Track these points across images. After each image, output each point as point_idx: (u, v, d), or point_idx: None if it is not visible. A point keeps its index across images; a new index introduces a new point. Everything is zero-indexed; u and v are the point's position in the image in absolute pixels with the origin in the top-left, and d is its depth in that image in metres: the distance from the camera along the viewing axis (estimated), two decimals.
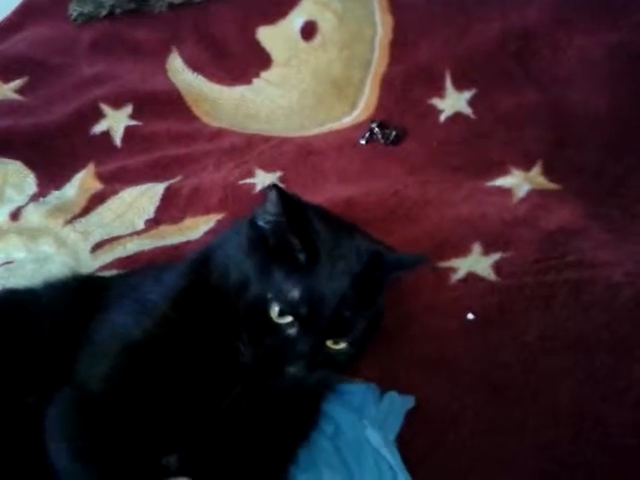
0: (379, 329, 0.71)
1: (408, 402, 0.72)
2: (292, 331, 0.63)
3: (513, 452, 0.68)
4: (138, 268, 0.92)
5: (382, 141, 1.18)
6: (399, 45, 1.26)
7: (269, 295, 0.63)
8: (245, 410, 0.66)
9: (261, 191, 0.68)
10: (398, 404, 0.72)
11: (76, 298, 0.75)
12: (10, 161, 1.25)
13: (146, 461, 0.63)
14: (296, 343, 0.63)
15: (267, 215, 0.66)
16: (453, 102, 1.18)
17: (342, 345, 0.66)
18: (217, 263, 0.68)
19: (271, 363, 0.63)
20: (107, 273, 1.00)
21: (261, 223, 0.67)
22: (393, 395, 0.73)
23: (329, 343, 0.65)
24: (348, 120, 1.27)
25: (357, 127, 1.24)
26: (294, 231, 0.64)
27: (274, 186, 0.66)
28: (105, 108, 1.30)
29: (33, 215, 1.17)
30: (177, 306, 0.67)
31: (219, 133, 1.29)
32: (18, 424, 0.66)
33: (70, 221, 1.15)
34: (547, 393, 0.71)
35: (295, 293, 0.63)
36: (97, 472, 0.62)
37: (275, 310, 0.63)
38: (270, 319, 0.63)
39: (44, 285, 0.81)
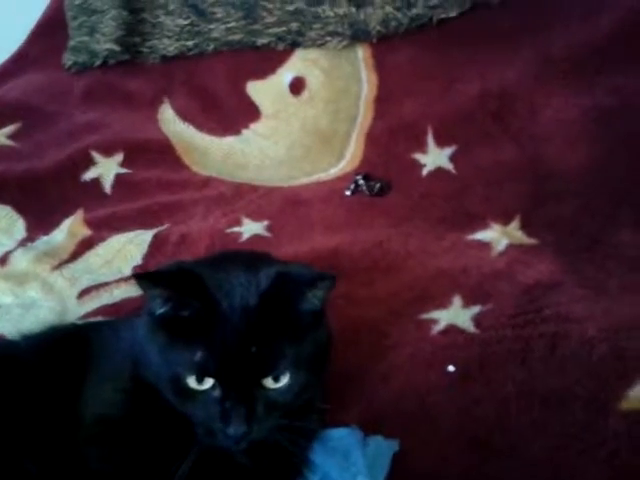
0: (327, 356, 0.70)
1: (393, 446, 0.73)
2: (216, 393, 0.63)
3: None
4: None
5: (367, 193, 1.22)
6: (383, 102, 1.31)
7: (179, 370, 0.64)
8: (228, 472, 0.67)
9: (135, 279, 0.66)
10: (384, 448, 0.72)
11: (57, 355, 0.74)
12: (0, 206, 1.27)
13: None
14: (224, 402, 0.63)
15: (152, 301, 0.66)
16: (435, 157, 1.22)
17: (281, 383, 0.64)
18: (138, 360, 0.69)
19: (213, 431, 0.64)
20: (91, 320, 1.01)
21: (154, 312, 0.66)
22: (378, 439, 0.73)
23: (267, 384, 0.64)
24: (334, 171, 1.31)
25: (343, 178, 1.28)
26: (180, 302, 0.64)
27: (137, 276, 0.66)
28: (96, 156, 1.33)
29: (21, 260, 1.18)
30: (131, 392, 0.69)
31: (208, 182, 1.32)
32: None
33: (58, 267, 1.16)
34: (524, 447, 0.73)
35: (198, 355, 0.63)
36: None
37: (192, 380, 0.63)
38: (194, 391, 0.63)
39: (24, 338, 0.80)
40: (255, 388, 0.63)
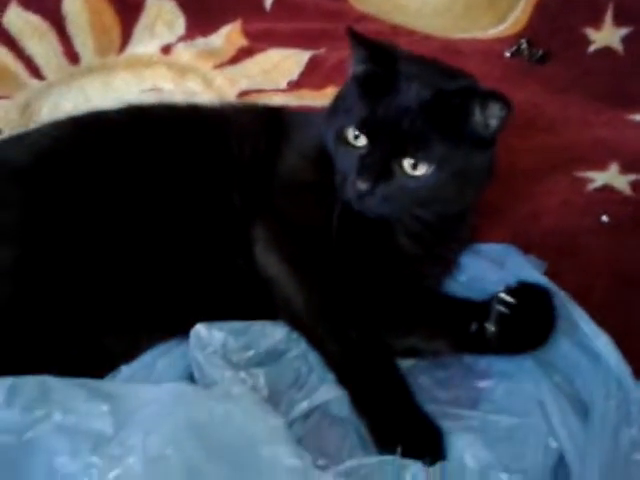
0: (478, 183, 0.75)
1: (542, 266, 0.79)
2: (363, 150, 0.72)
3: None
4: None
5: (527, 58, 1.21)
6: None
7: (347, 124, 0.73)
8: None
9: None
10: (536, 264, 0.78)
11: (264, 127, 0.83)
12: (165, 1, 1.31)
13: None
14: (365, 158, 0.71)
15: (355, 60, 0.75)
16: (607, 36, 1.20)
17: (418, 172, 0.70)
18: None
19: (346, 181, 0.73)
20: None
21: (353, 72, 0.76)
22: (531, 257, 0.80)
23: (405, 167, 0.70)
24: (493, 32, 1.29)
25: (501, 40, 1.26)
26: (373, 62, 0.73)
27: (352, 33, 0.74)
28: None
29: (183, 53, 1.23)
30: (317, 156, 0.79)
31: (364, 17, 1.32)
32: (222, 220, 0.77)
33: (218, 66, 1.21)
34: None
35: (364, 113, 0.72)
36: (304, 276, 0.73)
37: (350, 133, 0.73)
38: (349, 143, 0.73)
39: (226, 106, 0.89)
40: (396, 165, 0.71)
